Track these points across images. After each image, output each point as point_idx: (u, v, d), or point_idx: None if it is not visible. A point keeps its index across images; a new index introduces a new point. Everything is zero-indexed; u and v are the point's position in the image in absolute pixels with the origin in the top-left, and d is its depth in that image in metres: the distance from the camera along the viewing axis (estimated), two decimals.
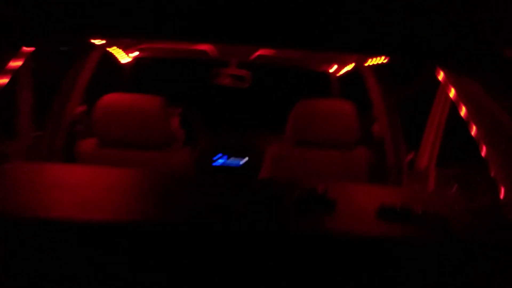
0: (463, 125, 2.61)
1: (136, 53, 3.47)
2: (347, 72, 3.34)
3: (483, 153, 1.75)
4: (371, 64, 2.75)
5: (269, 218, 1.06)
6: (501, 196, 1.66)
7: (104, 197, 1.17)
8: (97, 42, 2.67)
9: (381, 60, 2.63)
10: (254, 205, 1.17)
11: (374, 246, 0.94)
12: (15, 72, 1.52)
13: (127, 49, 3.31)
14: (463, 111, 1.83)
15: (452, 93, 1.89)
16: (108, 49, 3.10)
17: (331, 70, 3.71)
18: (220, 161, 3.85)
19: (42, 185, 1.23)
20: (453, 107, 2.57)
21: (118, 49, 3.21)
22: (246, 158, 3.84)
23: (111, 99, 2.33)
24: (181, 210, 1.11)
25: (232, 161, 3.86)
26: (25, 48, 1.46)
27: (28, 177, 1.33)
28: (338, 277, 0.93)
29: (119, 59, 3.41)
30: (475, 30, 1.33)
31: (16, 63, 1.54)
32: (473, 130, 1.78)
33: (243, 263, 0.96)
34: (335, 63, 3.53)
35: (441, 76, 2.02)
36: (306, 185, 1.16)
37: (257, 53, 3.21)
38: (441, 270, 0.92)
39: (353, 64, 3.21)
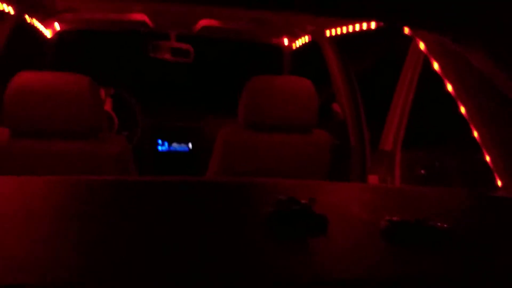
0: (431, 103, 2.37)
1: (58, 25, 3.00)
2: (303, 45, 3.02)
3: (476, 136, 1.51)
4: (330, 35, 2.45)
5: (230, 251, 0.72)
6: (499, 186, 1.42)
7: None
8: (7, 8, 2.21)
9: (342, 30, 2.34)
10: (206, 223, 0.84)
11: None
12: None
13: (46, 20, 2.84)
14: (450, 88, 1.57)
15: (436, 67, 1.63)
16: (25, 20, 2.63)
17: (285, 43, 3.37)
18: (163, 148, 3.47)
19: None
20: (420, 83, 2.34)
21: (35, 20, 2.73)
22: (190, 144, 3.48)
23: (27, 78, 1.91)
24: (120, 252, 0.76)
25: (177, 147, 3.49)
26: None
27: None
28: None
29: (39, 33, 2.93)
30: None
31: None
32: (463, 110, 1.53)
33: None
34: (289, 35, 3.20)
35: (422, 46, 1.76)
36: (282, 196, 0.83)
37: (200, 23, 2.84)
38: None
39: (308, 36, 2.91)
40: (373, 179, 2.54)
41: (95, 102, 1.97)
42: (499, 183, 1.50)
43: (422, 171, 2.38)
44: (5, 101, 1.87)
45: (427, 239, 0.74)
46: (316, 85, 2.34)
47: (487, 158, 1.53)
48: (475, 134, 1.54)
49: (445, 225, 0.75)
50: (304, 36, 2.93)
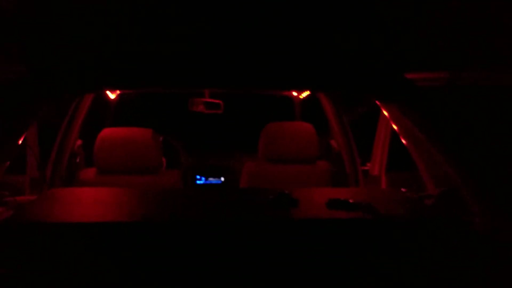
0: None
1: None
2: (307, 96, 3.85)
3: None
4: None
5: (253, 213, 1.51)
6: (426, 190, 2.15)
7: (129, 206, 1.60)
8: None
9: None
10: (238, 206, 1.62)
11: (323, 226, 1.40)
12: None
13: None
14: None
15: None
16: None
17: (294, 94, 4.22)
18: (201, 181, 4.28)
19: (87, 203, 1.66)
20: None
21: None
22: (222, 178, 4.28)
23: (109, 132, 2.76)
24: (181, 212, 1.55)
25: (212, 180, 4.29)
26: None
27: (74, 197, 1.74)
28: (298, 255, 1.37)
29: (107, 96, 3.83)
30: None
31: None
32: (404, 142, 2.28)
33: (232, 247, 1.39)
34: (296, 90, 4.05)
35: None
36: (277, 190, 1.61)
37: None
38: (368, 245, 1.37)
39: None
40: None
41: (157, 147, 2.80)
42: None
43: (403, 189, 3.08)
44: (95, 148, 2.71)
45: (347, 209, 1.50)
46: (320, 128, 3.13)
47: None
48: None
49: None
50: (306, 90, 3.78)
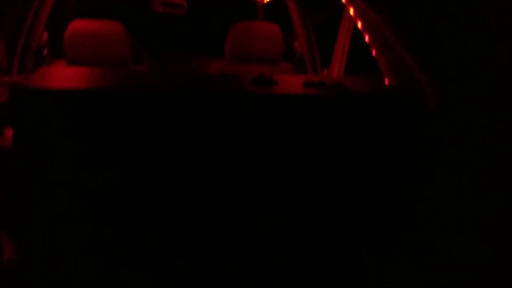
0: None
1: None
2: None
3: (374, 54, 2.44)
4: None
5: (236, 89, 1.67)
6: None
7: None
8: None
9: None
10: (221, 85, 1.77)
11: (300, 103, 1.58)
12: None
13: None
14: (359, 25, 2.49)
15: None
16: None
17: None
18: None
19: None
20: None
21: None
22: None
23: (79, 24, 2.77)
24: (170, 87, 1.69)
25: None
26: None
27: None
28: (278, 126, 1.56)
29: None
30: None
31: None
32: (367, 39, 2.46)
33: (217, 121, 1.55)
34: None
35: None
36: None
37: None
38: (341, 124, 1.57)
39: None
40: None
41: (127, 40, 2.84)
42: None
43: None
44: (65, 40, 2.73)
45: (321, 88, 1.68)
46: (283, 29, 3.24)
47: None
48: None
49: None
50: None
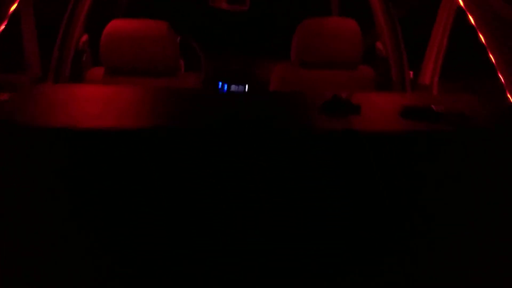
0: (468, 37, 2.65)
1: None
2: None
3: (492, 60, 1.80)
4: None
5: (297, 122, 1.11)
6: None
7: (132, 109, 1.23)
8: None
9: None
10: (279, 113, 1.22)
11: (401, 142, 1.00)
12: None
13: None
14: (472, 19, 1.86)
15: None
16: None
17: None
18: (223, 88, 3.87)
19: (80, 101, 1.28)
20: (457, 18, 2.59)
21: None
22: (246, 85, 3.86)
23: (117, 25, 2.32)
24: (202, 117, 1.17)
25: (235, 87, 3.88)
26: None
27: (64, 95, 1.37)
28: (366, 173, 0.99)
29: None
30: None
31: None
32: (482, 38, 1.82)
33: (274, 163, 1.02)
34: None
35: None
36: (327, 94, 1.20)
37: None
38: (463, 160, 0.99)
39: None
40: None
41: (174, 44, 2.36)
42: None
43: None
44: (101, 44, 2.29)
45: (428, 118, 1.09)
46: (361, 26, 2.64)
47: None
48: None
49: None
50: None
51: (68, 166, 1.03)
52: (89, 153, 1.04)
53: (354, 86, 2.65)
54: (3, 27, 1.65)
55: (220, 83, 3.87)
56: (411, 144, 1.00)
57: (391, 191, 0.99)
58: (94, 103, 1.27)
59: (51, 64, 2.60)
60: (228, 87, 3.87)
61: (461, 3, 1.97)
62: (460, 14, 2.48)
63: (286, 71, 2.61)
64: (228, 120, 1.12)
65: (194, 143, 1.04)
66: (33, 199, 1.03)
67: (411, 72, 2.87)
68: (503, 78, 1.78)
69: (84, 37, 2.73)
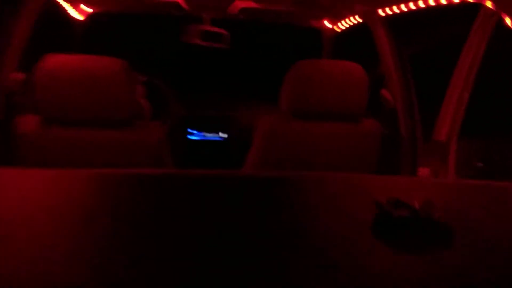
0: (493, 88, 2.16)
1: (89, 7, 2.86)
2: (350, 28, 2.81)
3: None
4: (383, 14, 2.25)
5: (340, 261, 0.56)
6: None
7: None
8: None
9: (396, 9, 2.14)
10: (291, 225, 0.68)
11: None
12: None
13: (77, 2, 2.70)
14: None
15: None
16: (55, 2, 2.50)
17: (329, 26, 3.15)
18: (196, 136, 3.32)
19: None
20: (484, 64, 2.13)
21: (65, 2, 2.60)
22: (225, 134, 3.32)
23: (56, 61, 1.77)
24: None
25: (210, 136, 3.34)
26: None
27: None
28: None
29: (69, 15, 2.80)
30: None
31: None
32: None
33: None
34: (331, 17, 2.99)
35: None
36: (384, 201, 0.66)
37: (236, 4, 2.67)
38: None
39: (355, 17, 2.70)
40: (424, 172, 2.35)
41: (131, 88, 1.82)
42: None
43: (480, 164, 2.18)
44: (35, 86, 1.73)
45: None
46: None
47: None
48: None
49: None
50: (349, 17, 2.73)
51: None
52: None
53: (357, 142, 2.14)
54: None
55: (192, 130, 3.32)
56: None
57: None
58: None
59: None
60: (202, 136, 3.32)
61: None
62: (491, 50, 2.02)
63: (274, 124, 2.08)
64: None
65: None
66: None
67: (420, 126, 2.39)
68: None
69: (19, 76, 2.16)
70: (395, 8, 2.20)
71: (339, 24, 2.93)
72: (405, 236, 0.59)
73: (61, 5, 2.60)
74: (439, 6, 2.03)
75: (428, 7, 2.08)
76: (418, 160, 2.37)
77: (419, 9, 2.13)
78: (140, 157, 1.86)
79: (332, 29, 3.00)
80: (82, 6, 2.81)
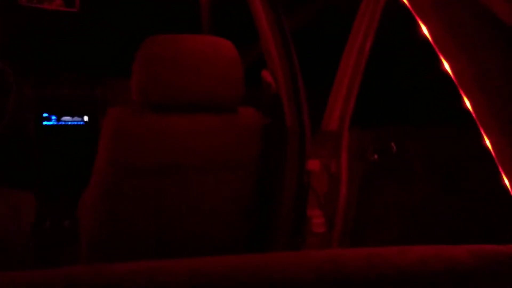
0: (391, 67, 1.88)
1: None
2: None
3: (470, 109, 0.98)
4: None
5: None
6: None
7: None
8: None
9: None
10: None
11: None
12: None
13: None
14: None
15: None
16: None
17: None
18: (52, 121, 2.74)
19: None
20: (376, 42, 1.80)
21: None
22: (86, 117, 2.78)
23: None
24: None
25: (69, 120, 2.78)
26: None
27: None
28: None
29: None
30: None
31: None
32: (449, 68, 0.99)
33: None
34: None
35: None
36: None
37: None
38: None
39: None
40: (314, 164, 2.01)
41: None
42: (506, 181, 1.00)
43: (375, 156, 1.88)
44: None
45: None
46: (237, 46, 1.74)
47: (487, 142, 1.01)
48: (468, 106, 1.02)
49: None
50: None
51: None
52: None
53: (232, 137, 1.75)
54: None
55: (46, 115, 2.74)
56: None
57: None
58: None
59: None
60: (58, 120, 2.76)
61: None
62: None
63: (122, 118, 1.62)
64: None
65: None
66: None
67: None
68: (499, 160, 0.98)
69: None
70: None
71: None
72: None
73: None
74: None
75: None
76: (307, 152, 2.03)
77: None
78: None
79: None
80: None
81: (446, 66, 1.09)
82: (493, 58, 0.90)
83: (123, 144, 1.61)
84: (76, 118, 2.76)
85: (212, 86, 1.64)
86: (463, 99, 1.05)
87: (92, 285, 0.59)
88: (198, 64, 1.62)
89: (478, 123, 1.02)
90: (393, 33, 1.80)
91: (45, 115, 2.71)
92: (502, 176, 0.98)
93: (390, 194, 2.02)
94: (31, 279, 0.59)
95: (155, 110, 1.63)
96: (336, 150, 1.95)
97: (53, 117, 2.72)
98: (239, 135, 1.75)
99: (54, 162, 2.71)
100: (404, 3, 1.05)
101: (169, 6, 2.78)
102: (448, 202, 1.83)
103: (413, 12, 1.14)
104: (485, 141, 1.02)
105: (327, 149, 1.98)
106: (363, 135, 1.93)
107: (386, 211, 2.04)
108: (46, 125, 2.72)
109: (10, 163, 2.55)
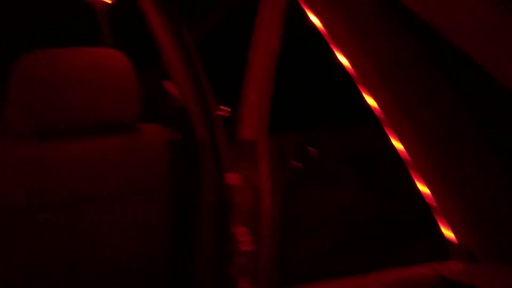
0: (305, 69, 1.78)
1: None
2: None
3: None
4: None
5: None
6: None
7: None
8: None
9: None
10: None
11: None
12: None
13: None
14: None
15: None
16: None
17: None
18: None
19: None
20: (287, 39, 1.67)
21: None
22: None
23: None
24: None
25: None
26: None
27: None
28: None
29: None
30: None
31: None
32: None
33: None
34: None
35: None
36: None
37: None
38: None
39: None
40: (233, 179, 1.85)
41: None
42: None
43: (297, 163, 1.75)
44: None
45: None
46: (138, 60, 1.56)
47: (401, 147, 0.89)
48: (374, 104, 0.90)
49: None
50: None
51: None
52: None
53: (133, 159, 1.56)
54: None
55: None
56: None
57: None
58: None
59: None
60: None
61: None
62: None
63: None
64: None
65: None
66: None
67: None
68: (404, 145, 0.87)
69: None
70: None
71: None
72: None
73: None
74: None
75: None
76: (225, 165, 1.87)
77: None
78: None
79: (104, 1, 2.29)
80: None
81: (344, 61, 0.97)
82: (388, 48, 0.78)
83: (4, 180, 1.39)
84: None
85: (103, 103, 1.45)
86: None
87: None
88: (84, 80, 1.43)
89: (380, 116, 0.91)
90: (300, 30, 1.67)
91: None
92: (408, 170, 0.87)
93: (317, 199, 1.90)
94: None
95: (38, 138, 1.42)
96: (256, 160, 1.80)
97: None
98: (143, 154, 1.57)
99: None
100: None
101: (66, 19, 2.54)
102: (370, 198, 1.74)
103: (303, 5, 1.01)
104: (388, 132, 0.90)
105: (246, 161, 1.83)
106: (283, 141, 1.80)
107: (316, 216, 1.92)
108: None
109: None
